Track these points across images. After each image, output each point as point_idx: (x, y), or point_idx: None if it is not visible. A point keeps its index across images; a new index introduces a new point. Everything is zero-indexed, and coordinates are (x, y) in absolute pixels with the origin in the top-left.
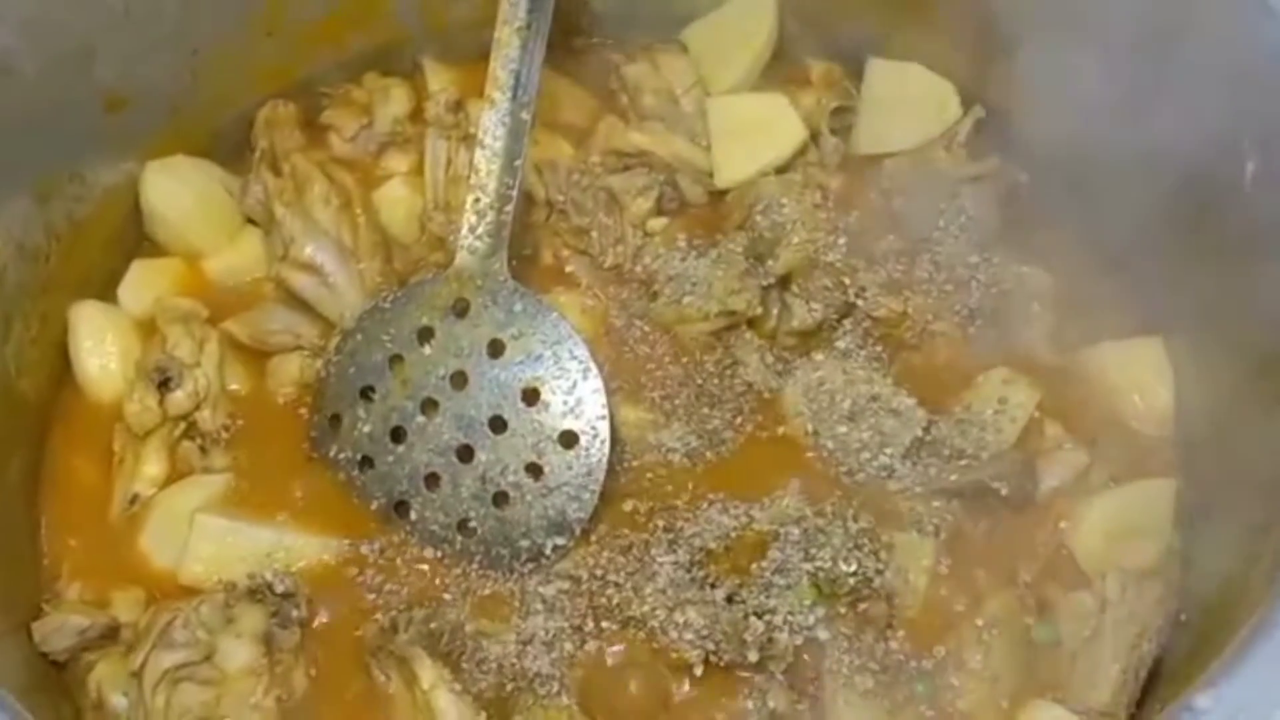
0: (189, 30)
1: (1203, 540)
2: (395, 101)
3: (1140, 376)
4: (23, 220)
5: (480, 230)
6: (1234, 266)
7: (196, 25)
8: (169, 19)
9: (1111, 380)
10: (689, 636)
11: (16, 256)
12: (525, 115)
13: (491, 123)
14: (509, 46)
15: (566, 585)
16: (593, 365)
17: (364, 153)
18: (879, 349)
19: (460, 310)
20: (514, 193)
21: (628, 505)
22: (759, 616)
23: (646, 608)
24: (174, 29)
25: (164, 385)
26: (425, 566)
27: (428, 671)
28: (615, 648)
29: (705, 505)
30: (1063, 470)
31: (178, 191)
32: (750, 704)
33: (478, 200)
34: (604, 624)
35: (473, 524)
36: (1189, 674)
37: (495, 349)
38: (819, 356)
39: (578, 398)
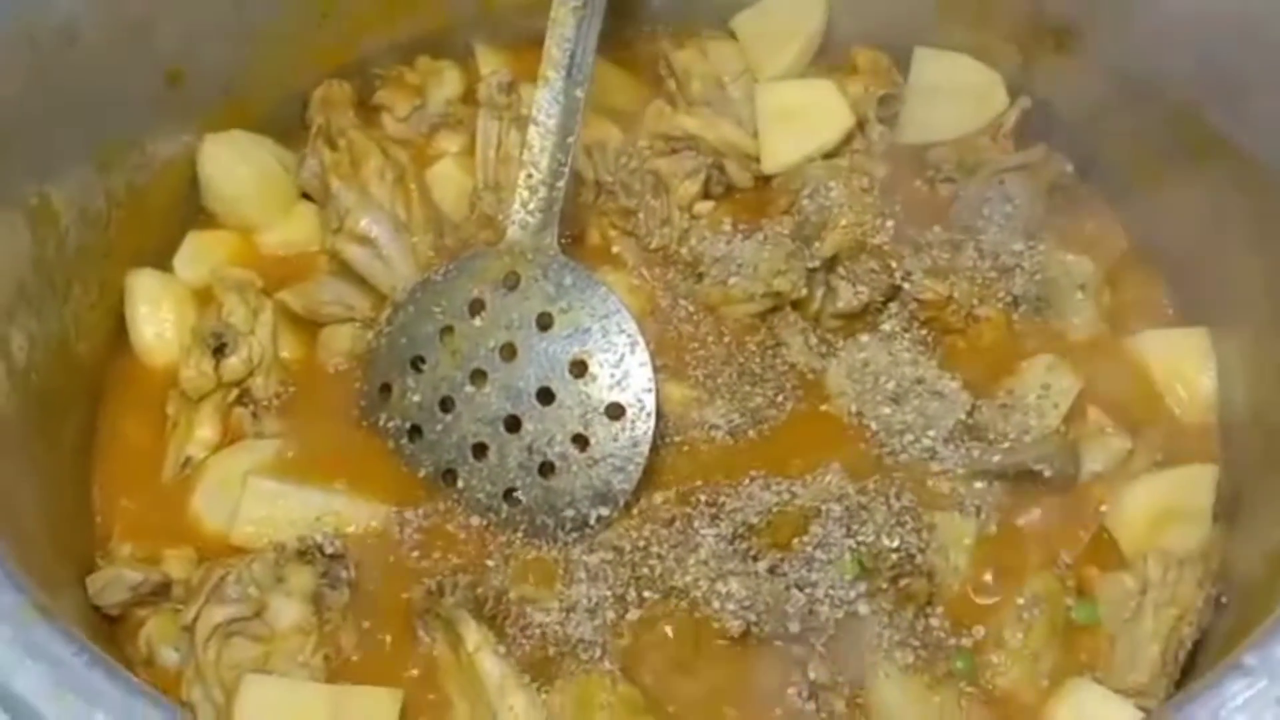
0: (247, 9)
1: (1243, 525)
2: (448, 83)
3: (1183, 365)
4: (85, 186)
5: (532, 205)
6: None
7: (254, 4)
8: None
9: (1155, 368)
10: (731, 607)
11: (79, 221)
12: (579, 93)
13: (546, 100)
14: (564, 25)
15: (610, 555)
16: (640, 339)
17: (416, 133)
18: (924, 332)
19: (511, 283)
20: (566, 169)
21: (671, 480)
22: (800, 589)
23: (689, 578)
24: (232, 7)
25: (219, 351)
26: (471, 534)
27: (473, 634)
28: (657, 616)
29: (748, 481)
30: (1105, 455)
31: (235, 164)
32: (791, 675)
33: (530, 176)
34: (646, 593)
35: (519, 493)
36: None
37: (544, 322)
38: (864, 338)
39: (625, 370)
